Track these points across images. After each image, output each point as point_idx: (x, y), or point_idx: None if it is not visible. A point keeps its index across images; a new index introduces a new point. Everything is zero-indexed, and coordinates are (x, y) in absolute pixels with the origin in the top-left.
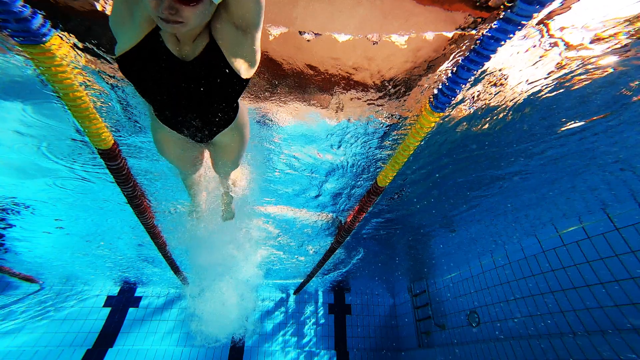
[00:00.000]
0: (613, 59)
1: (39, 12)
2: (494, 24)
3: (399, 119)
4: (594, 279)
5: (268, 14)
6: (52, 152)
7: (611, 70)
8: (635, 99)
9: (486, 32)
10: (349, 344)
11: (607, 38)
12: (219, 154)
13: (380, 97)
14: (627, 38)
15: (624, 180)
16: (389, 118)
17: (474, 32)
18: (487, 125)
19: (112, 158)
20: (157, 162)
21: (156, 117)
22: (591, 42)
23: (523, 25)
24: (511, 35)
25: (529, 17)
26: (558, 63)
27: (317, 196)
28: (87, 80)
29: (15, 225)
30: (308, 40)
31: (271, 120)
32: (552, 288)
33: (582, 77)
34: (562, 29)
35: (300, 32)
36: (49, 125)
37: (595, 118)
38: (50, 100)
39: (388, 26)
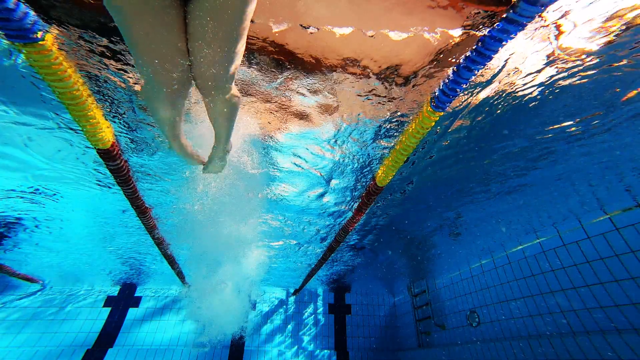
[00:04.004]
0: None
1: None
2: (496, 24)
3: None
4: (594, 279)
5: (270, 8)
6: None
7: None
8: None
9: (488, 32)
10: (349, 344)
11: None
12: (207, 22)
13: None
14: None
15: (621, 179)
16: (392, 107)
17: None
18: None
19: (111, 158)
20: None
21: None
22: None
23: (525, 26)
24: (513, 36)
25: (532, 18)
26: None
27: (318, 191)
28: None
29: (13, 224)
30: (311, 33)
31: (274, 112)
32: (552, 288)
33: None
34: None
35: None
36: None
37: (589, 116)
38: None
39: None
